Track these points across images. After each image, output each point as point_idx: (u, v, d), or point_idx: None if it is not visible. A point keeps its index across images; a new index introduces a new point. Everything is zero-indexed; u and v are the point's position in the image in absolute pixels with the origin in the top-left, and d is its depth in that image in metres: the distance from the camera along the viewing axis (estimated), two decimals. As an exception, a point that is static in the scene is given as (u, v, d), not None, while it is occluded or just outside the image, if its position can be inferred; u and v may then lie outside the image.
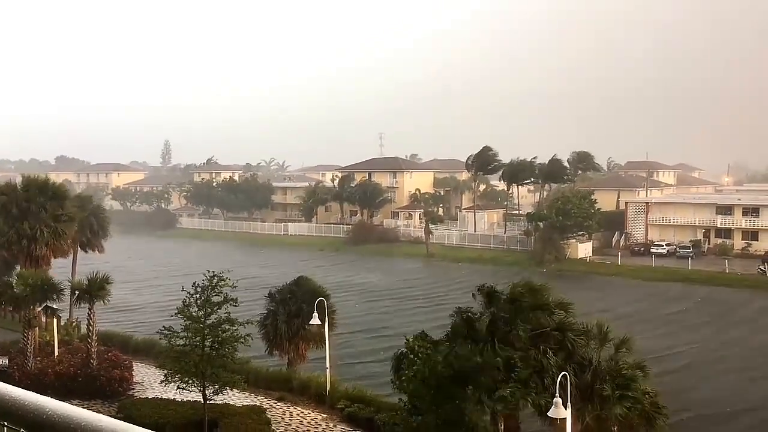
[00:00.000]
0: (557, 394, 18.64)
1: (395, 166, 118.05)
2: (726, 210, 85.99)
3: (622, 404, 21.56)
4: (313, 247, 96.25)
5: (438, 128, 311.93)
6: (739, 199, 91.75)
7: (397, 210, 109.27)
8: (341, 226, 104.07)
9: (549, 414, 19.08)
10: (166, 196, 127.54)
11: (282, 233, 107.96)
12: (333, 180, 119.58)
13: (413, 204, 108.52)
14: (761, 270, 69.81)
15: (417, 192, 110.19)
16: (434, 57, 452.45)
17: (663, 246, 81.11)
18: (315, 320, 29.52)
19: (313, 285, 33.05)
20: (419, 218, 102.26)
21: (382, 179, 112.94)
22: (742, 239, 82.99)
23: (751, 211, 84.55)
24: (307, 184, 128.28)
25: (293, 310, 31.76)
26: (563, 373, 19.80)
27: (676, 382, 33.64)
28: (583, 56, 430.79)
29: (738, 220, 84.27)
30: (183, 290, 25.52)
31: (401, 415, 20.22)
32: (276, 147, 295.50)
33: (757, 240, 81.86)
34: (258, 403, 28.91)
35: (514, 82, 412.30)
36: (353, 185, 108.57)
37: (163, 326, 25.59)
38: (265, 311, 32.73)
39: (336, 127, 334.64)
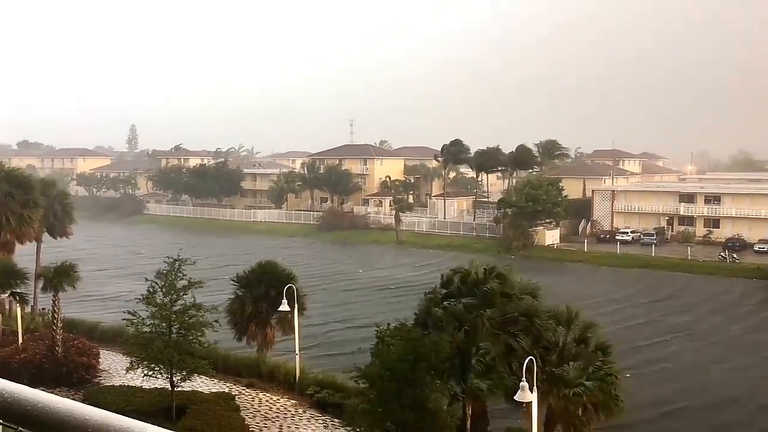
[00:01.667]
0: (524, 378, 18.85)
1: (365, 153, 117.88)
2: (689, 198, 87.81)
3: (586, 386, 21.89)
4: (282, 233, 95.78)
5: (409, 117, 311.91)
6: (702, 188, 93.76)
7: (367, 197, 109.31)
8: (311, 212, 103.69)
9: (515, 398, 19.28)
10: (132, 181, 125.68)
11: (251, 220, 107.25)
12: (303, 166, 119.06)
13: (384, 191, 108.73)
14: (722, 256, 71.53)
15: (387, 179, 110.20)
16: (408, 46, 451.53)
17: (628, 233, 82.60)
18: (284, 306, 29.35)
19: (280, 270, 32.76)
20: (389, 205, 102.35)
21: (353, 166, 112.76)
22: (704, 227, 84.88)
23: (713, 199, 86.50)
24: (278, 170, 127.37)
25: (260, 295, 31.50)
26: (529, 357, 20.01)
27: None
28: (547, 46, 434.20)
29: (700, 208, 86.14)
30: (147, 280, 25.39)
31: (362, 403, 20.13)
32: (246, 133, 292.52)
33: (719, 227, 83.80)
34: (227, 390, 28.74)
35: (482, 70, 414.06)
36: (322, 171, 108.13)
37: (128, 311, 25.26)
38: (232, 296, 32.40)
39: (307, 114, 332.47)
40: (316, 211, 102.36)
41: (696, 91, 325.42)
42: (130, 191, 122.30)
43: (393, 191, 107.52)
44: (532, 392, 18.81)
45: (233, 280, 32.52)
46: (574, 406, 21.85)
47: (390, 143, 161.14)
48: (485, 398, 23.32)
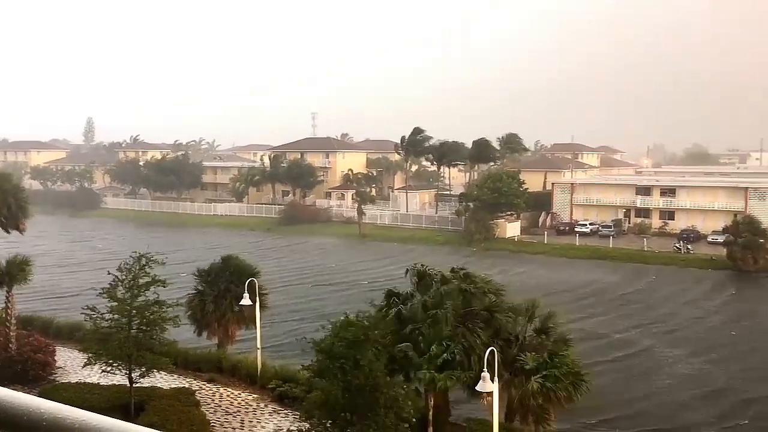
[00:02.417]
0: (485, 369, 19.11)
1: (328, 146, 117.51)
2: (645, 191, 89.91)
3: (545, 377, 22.34)
4: (242, 227, 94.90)
5: (371, 109, 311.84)
6: (657, 181, 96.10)
7: (329, 190, 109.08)
8: (273, 206, 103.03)
9: (477, 388, 19.55)
10: (88, 175, 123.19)
11: (211, 213, 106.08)
12: (261, 159, 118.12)
13: (346, 184, 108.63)
14: (676, 247, 73.53)
15: (350, 172, 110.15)
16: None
17: (587, 225, 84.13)
18: (246, 300, 29.09)
19: (242, 264, 32.46)
20: (352, 198, 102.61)
21: (315, 159, 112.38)
22: (659, 218, 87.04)
23: (668, 192, 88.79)
24: (239, 164, 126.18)
25: (221, 290, 31.17)
26: (490, 348, 20.29)
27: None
28: (512, 42, 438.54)
29: (656, 201, 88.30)
30: (109, 273, 24.93)
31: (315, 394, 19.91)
32: (206, 126, 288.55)
33: (674, 219, 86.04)
34: (187, 385, 28.49)
35: (447, 64, 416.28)
36: (284, 164, 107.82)
37: (86, 305, 24.84)
38: (193, 291, 32.06)
39: (270, 107, 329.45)
40: (278, 205, 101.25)
41: (652, 87, 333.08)
42: (86, 185, 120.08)
43: (355, 184, 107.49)
44: (492, 382, 19.09)
45: (195, 275, 32.13)
46: (533, 396, 22.31)
47: (352, 136, 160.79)
48: (447, 390, 23.58)
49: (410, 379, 22.45)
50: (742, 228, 64.87)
